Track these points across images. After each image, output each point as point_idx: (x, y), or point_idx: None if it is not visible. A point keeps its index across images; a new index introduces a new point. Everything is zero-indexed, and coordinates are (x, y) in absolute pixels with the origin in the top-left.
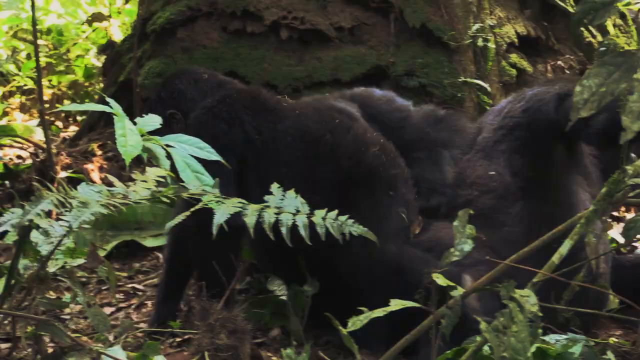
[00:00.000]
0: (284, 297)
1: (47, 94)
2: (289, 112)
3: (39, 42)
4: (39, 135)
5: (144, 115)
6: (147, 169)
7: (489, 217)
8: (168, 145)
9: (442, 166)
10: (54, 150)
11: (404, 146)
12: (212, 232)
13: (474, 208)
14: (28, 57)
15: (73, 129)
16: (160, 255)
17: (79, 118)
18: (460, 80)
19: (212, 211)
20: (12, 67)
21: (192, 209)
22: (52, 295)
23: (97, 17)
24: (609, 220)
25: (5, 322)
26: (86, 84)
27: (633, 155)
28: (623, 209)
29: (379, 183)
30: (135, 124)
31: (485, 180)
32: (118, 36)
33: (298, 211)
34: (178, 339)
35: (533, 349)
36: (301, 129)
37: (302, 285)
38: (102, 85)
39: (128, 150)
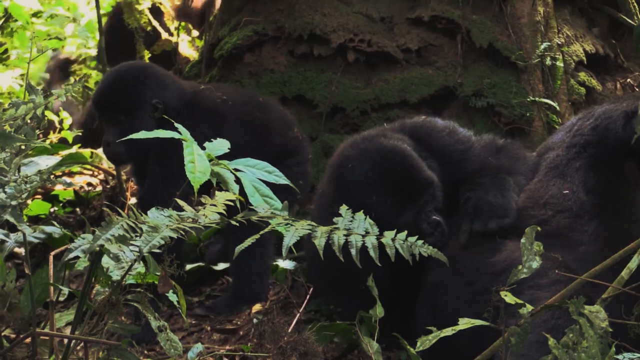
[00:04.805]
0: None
1: None
2: None
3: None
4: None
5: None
6: (217, 193)
7: (565, 237)
8: (237, 170)
9: (506, 191)
10: (124, 177)
11: (466, 176)
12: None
13: (549, 228)
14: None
15: None
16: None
17: None
18: (528, 99)
19: None
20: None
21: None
22: (123, 320)
23: (163, 44)
24: None
25: (78, 347)
26: None
27: None
28: None
29: None
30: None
31: (560, 199)
32: (188, 52)
33: (367, 232)
34: None
35: None
36: None
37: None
38: None
39: (197, 177)
